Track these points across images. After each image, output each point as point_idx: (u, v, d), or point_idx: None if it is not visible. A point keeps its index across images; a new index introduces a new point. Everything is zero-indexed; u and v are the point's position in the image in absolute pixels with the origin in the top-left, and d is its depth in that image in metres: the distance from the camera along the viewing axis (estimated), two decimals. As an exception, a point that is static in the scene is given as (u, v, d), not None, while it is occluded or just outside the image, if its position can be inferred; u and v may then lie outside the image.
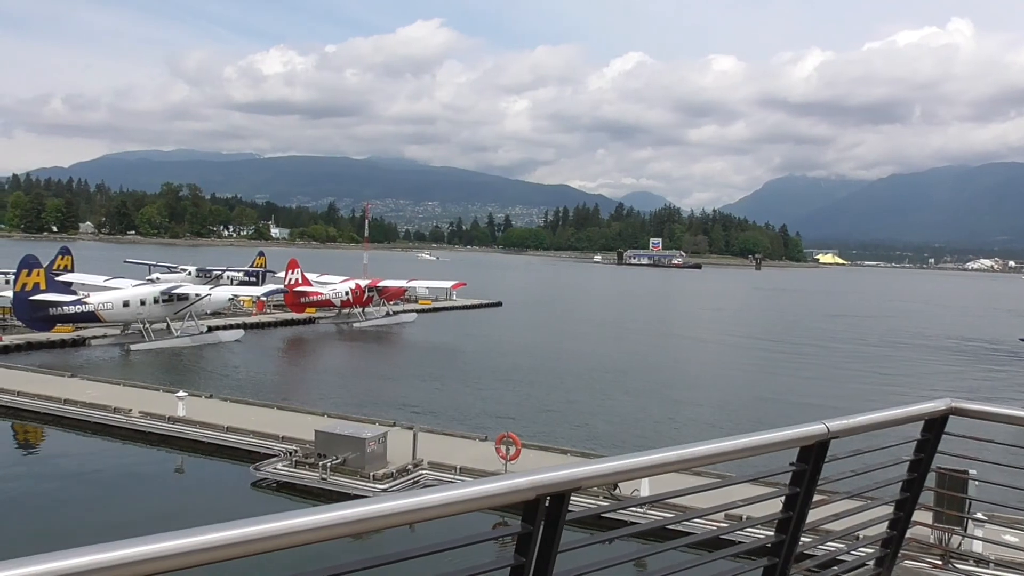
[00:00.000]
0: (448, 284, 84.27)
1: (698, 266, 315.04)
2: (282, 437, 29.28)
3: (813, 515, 4.75)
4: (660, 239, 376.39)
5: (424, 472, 26.45)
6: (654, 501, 4.97)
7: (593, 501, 20.44)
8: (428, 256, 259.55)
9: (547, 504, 3.21)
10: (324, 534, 2.64)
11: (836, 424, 4.50)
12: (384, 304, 75.85)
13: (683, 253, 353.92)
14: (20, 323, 52.32)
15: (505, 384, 47.37)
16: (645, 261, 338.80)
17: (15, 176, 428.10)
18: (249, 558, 2.47)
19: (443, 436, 30.61)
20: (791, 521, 4.61)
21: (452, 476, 26.13)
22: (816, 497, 4.70)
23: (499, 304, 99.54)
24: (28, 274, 49.97)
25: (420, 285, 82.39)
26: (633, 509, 21.12)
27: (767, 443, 4.22)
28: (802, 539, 4.72)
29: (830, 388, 50.64)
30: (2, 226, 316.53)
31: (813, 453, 4.56)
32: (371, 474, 25.44)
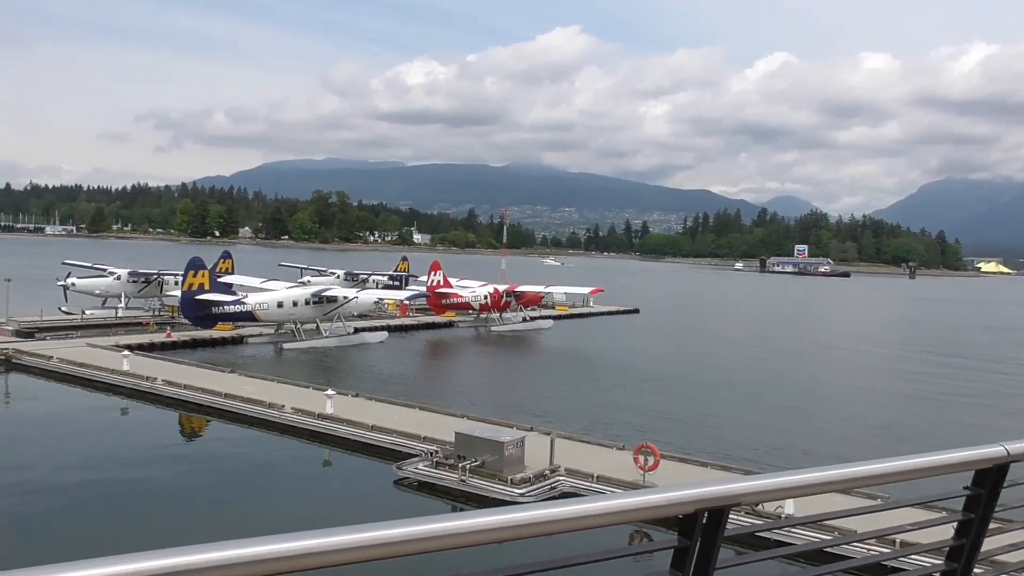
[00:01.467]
0: (585, 290, 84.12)
1: (846, 274, 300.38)
2: (423, 437, 30.06)
3: (988, 544, 4.44)
4: (806, 246, 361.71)
5: (561, 479, 26.48)
6: (813, 521, 4.77)
7: (747, 519, 19.82)
8: (552, 262, 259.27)
9: (705, 519, 3.14)
10: (478, 538, 2.64)
11: (1017, 447, 4.18)
12: (521, 309, 76.63)
13: (830, 260, 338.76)
14: (187, 321, 56.17)
15: (641, 393, 46.80)
16: (790, 269, 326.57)
17: (183, 184, 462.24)
18: (392, 560, 2.51)
19: (580, 443, 30.55)
20: (964, 550, 4.31)
21: (589, 484, 26.05)
22: (991, 525, 4.39)
23: (636, 311, 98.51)
24: (194, 275, 53.65)
25: (557, 291, 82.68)
26: (786, 528, 20.33)
27: (938, 465, 3.95)
28: (976, 569, 4.42)
29: (1003, 407, 47.07)
30: (172, 231, 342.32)
31: (991, 477, 4.25)
32: (509, 478, 25.71)
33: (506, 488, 25.49)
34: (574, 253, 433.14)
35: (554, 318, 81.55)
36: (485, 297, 72.85)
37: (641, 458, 26.08)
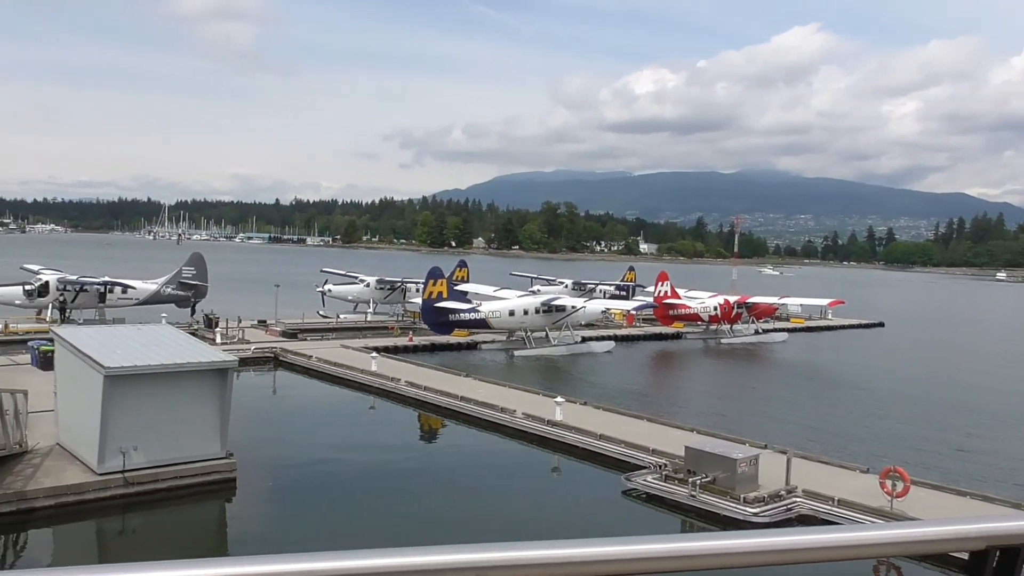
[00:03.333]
0: (824, 302, 79.56)
1: None
2: (652, 450, 29.79)
3: None
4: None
5: (798, 500, 25.17)
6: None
7: None
8: (771, 271, 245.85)
9: (996, 559, 2.86)
10: (742, 560, 2.54)
11: None
12: (753, 321, 73.91)
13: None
14: (426, 326, 59.58)
15: (885, 413, 43.40)
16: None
17: (424, 198, 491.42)
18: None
19: (818, 464, 28.90)
20: None
21: (829, 508, 24.54)
22: None
23: (880, 325, 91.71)
24: (434, 284, 56.86)
25: (793, 302, 78.85)
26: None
27: None
28: None
29: None
30: (413, 241, 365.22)
31: None
32: (742, 496, 24.83)
33: (738, 506, 24.63)
34: (810, 262, 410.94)
35: (789, 331, 77.84)
36: (715, 308, 71.04)
37: (889, 483, 24.21)
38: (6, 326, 53.81)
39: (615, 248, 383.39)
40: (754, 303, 73.21)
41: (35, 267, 63.35)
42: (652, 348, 67.95)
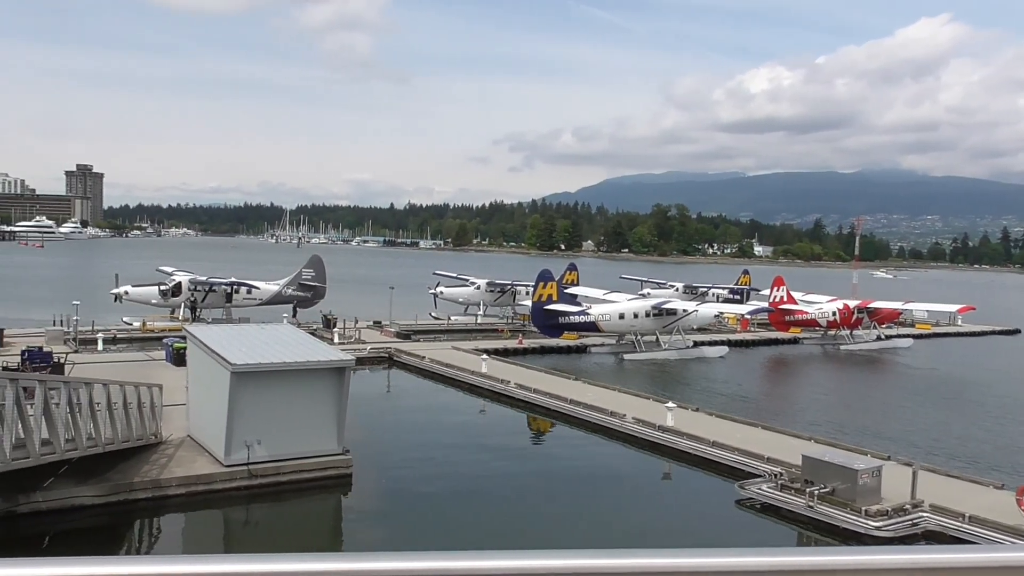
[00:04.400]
0: (953, 308, 75.49)
1: None
2: (767, 458, 28.97)
3: None
4: None
5: (925, 515, 23.93)
6: None
7: None
8: (884, 274, 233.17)
9: None
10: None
11: None
12: (875, 327, 70.81)
13: None
14: (536, 329, 59.85)
15: (1021, 427, 40.81)
16: None
17: (534, 201, 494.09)
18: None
19: (946, 477, 27.41)
20: None
21: (959, 524, 23.23)
22: None
23: (1016, 332, 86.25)
24: (544, 286, 57.05)
25: (918, 308, 75.20)
26: None
27: None
28: None
29: None
30: (523, 244, 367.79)
31: None
32: (863, 508, 23.81)
33: (860, 519, 23.64)
34: (937, 266, 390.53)
35: (914, 337, 74.19)
36: (833, 313, 68.51)
37: (1027, 501, 22.73)
38: (144, 324, 57.29)
39: (728, 251, 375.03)
40: (876, 308, 70.14)
41: (169, 269, 67.24)
42: (767, 354, 66.06)
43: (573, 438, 35.77)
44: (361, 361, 43.31)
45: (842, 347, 67.62)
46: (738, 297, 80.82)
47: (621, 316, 58.40)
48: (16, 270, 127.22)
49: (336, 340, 52.50)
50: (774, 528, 24.73)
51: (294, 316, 61.95)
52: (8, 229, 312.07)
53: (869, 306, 70.10)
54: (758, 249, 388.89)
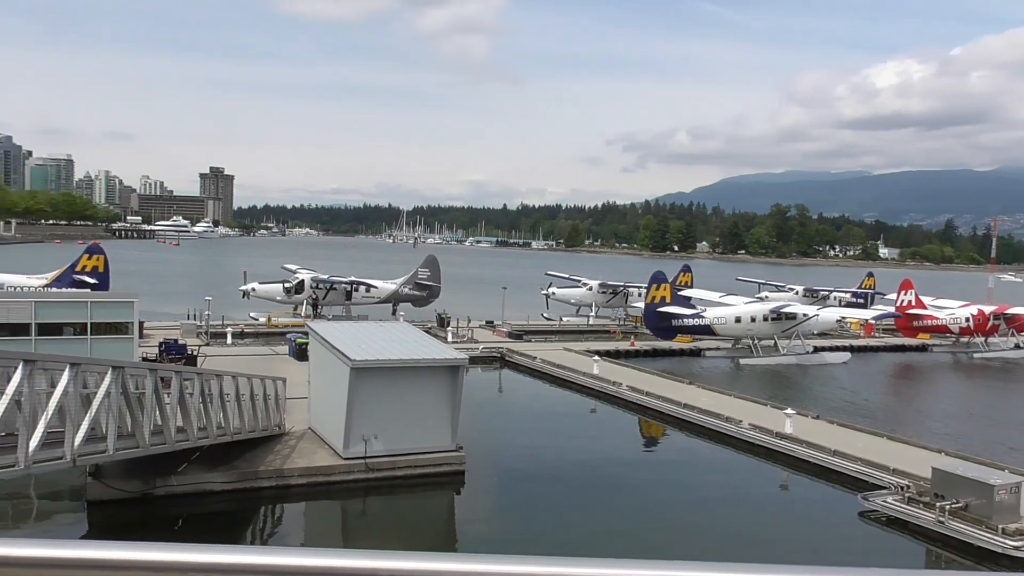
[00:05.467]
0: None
1: None
2: (893, 469, 27.62)
3: None
4: None
5: (1070, 537, 22.29)
6: None
7: None
8: (1013, 277, 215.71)
9: None
10: None
11: None
12: (1014, 334, 66.50)
13: None
14: (648, 331, 59.14)
15: None
16: None
17: (647, 201, 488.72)
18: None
19: (1096, 499, 25.42)
20: None
21: (1109, 549, 21.54)
22: None
23: None
24: (657, 288, 56.30)
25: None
26: None
27: None
28: None
29: None
30: (635, 245, 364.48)
31: None
32: (1000, 527, 22.40)
33: (996, 538, 22.23)
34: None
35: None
36: (967, 319, 64.81)
37: None
38: (269, 319, 59.91)
39: (851, 253, 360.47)
40: (1015, 314, 65.87)
41: (293, 267, 70.09)
42: (893, 361, 63.06)
43: (686, 443, 35.16)
44: (474, 360, 43.78)
45: (976, 355, 63.86)
46: (862, 301, 77.49)
47: (737, 320, 57.01)
48: (155, 266, 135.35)
49: (449, 339, 53.38)
50: (901, 543, 23.59)
51: (393, 314, 63.51)
52: (148, 228, 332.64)
53: (1007, 312, 65.93)
54: (884, 251, 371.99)
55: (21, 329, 32.27)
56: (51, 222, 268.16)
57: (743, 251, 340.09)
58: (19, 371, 15.34)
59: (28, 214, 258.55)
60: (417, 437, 27.21)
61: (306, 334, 36.24)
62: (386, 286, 67.08)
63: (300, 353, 41.58)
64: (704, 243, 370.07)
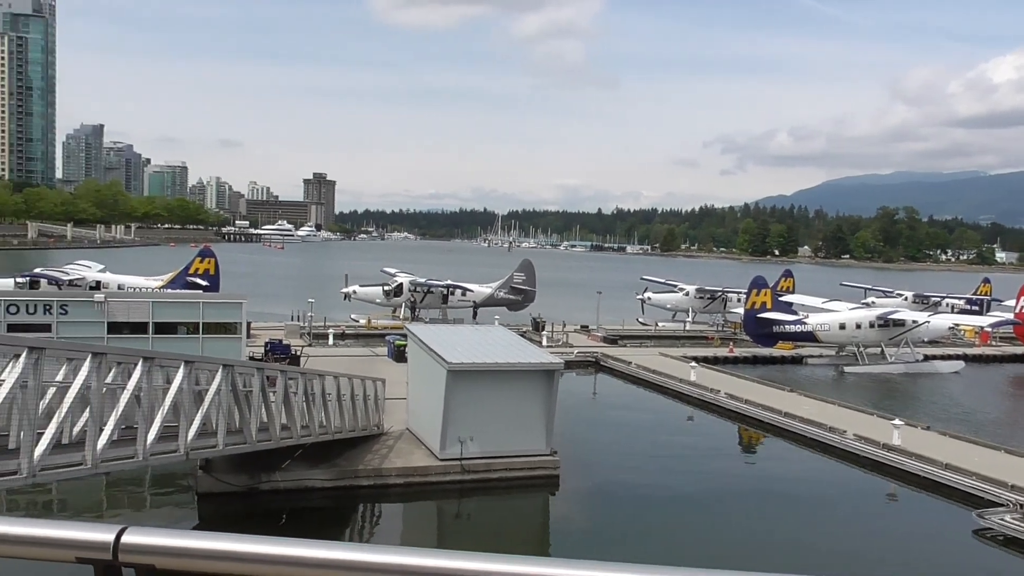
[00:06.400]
0: None
1: None
2: (1011, 486, 26.11)
3: None
4: None
5: None
6: None
7: None
8: None
9: None
10: None
11: None
12: None
13: None
14: (747, 337, 57.80)
15: None
16: None
17: (746, 205, 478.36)
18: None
19: None
20: None
21: None
22: None
23: None
24: (757, 294, 55.00)
25: None
26: None
27: None
28: None
29: None
30: (734, 249, 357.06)
31: None
32: None
33: None
34: None
35: None
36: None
37: None
38: (368, 322, 61.38)
39: (964, 257, 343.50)
40: None
41: (392, 270, 71.59)
42: (1011, 371, 59.75)
43: (786, 452, 34.18)
44: (568, 365, 43.76)
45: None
46: (977, 308, 73.71)
47: (842, 326, 55.11)
48: (261, 268, 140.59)
49: (544, 343, 53.47)
50: (1020, 564, 22.32)
51: (473, 318, 63.88)
52: (255, 232, 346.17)
53: None
54: (1001, 255, 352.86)
55: (140, 328, 34.11)
56: (166, 226, 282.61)
57: (847, 255, 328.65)
58: (139, 367, 16.20)
59: (146, 218, 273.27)
60: (512, 440, 27.36)
61: (404, 336, 36.96)
62: (481, 290, 67.75)
63: (399, 355, 42.46)
64: (806, 247, 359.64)
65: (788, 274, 72.34)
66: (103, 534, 1.95)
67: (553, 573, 1.83)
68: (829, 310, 59.98)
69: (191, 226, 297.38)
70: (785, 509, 27.19)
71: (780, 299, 59.32)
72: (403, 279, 65.75)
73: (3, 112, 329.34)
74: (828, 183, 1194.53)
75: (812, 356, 57.28)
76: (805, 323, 55.02)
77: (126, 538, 1.93)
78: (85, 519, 17.80)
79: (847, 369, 53.93)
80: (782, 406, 37.71)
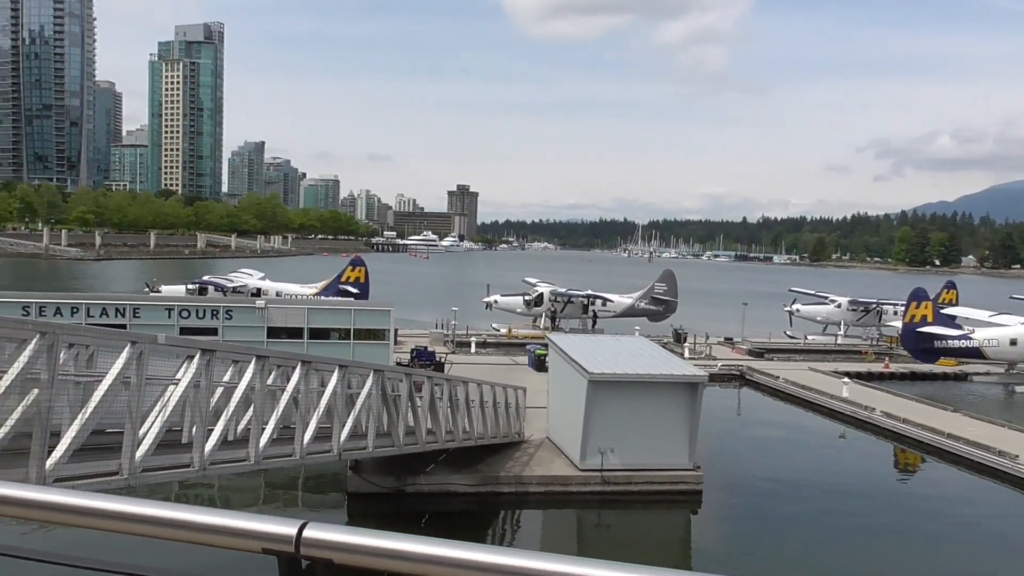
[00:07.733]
0: None
1: None
2: None
3: None
4: None
5: None
6: None
7: None
8: None
9: None
10: None
11: None
12: None
13: None
14: (906, 352, 54.57)
15: None
16: None
17: (903, 212, 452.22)
18: None
19: None
20: None
21: None
22: None
23: None
24: (917, 306, 51.85)
25: None
26: None
27: None
28: None
29: None
30: (889, 259, 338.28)
31: None
32: None
33: None
34: None
35: None
36: None
37: None
38: (509, 331, 62.22)
39: None
40: None
41: (533, 280, 72.30)
42: None
43: (948, 476, 32.04)
44: (712, 378, 42.69)
45: None
46: None
47: (1013, 342, 51.08)
48: (407, 278, 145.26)
49: (686, 355, 52.46)
50: None
51: (592, 327, 63.04)
52: (402, 242, 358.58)
53: None
54: None
55: (296, 333, 36.04)
56: (320, 237, 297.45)
57: (1018, 265, 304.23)
58: (297, 371, 17.11)
59: (302, 229, 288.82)
60: (654, 453, 26.98)
61: (545, 346, 37.21)
62: (622, 300, 67.29)
63: (539, 364, 42.77)
64: (970, 257, 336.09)
65: (951, 285, 67.72)
66: (287, 527, 2.04)
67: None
68: (998, 324, 55.73)
69: (343, 237, 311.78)
70: (943, 535, 25.49)
71: (942, 312, 55.66)
72: (544, 289, 66.23)
73: (179, 132, 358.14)
74: (996, 188, 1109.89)
75: (978, 374, 53.43)
76: (971, 338, 51.40)
77: (307, 532, 2.03)
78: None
79: (1018, 389, 49.95)
80: (944, 427, 35.35)
